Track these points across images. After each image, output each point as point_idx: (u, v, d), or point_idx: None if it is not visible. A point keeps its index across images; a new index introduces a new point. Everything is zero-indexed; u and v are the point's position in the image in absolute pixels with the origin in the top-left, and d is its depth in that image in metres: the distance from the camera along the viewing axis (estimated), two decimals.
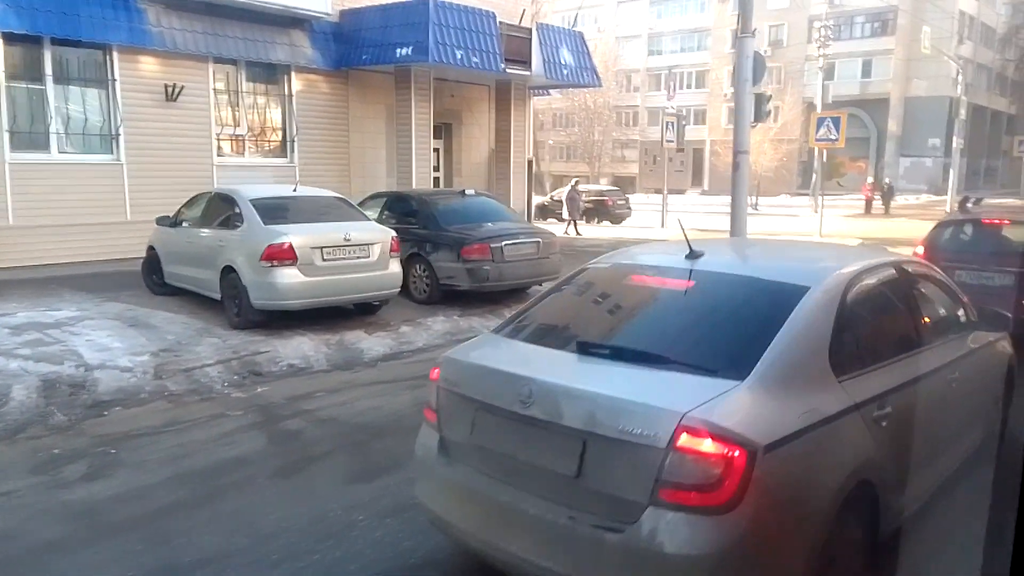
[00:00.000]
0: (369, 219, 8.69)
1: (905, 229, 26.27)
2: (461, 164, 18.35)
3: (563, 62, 16.48)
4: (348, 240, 7.87)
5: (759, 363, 2.76)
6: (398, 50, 14.13)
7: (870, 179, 36.08)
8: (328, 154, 15.42)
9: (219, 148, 13.87)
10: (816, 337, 3.00)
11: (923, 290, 4.03)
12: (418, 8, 13.95)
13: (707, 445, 2.48)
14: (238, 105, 14.15)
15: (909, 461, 3.38)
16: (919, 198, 45.34)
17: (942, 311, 4.21)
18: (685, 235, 3.56)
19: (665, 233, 23.19)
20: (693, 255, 3.47)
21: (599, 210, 28.28)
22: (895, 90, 51.15)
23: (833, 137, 20.10)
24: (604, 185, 32.79)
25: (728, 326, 3.13)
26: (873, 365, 3.21)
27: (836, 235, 21.40)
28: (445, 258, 9.30)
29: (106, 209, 12.35)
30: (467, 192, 10.73)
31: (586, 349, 3.04)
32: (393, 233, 8.39)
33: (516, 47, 15.61)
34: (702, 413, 2.52)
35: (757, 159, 39.73)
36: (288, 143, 14.88)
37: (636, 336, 3.22)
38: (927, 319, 3.86)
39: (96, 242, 12.17)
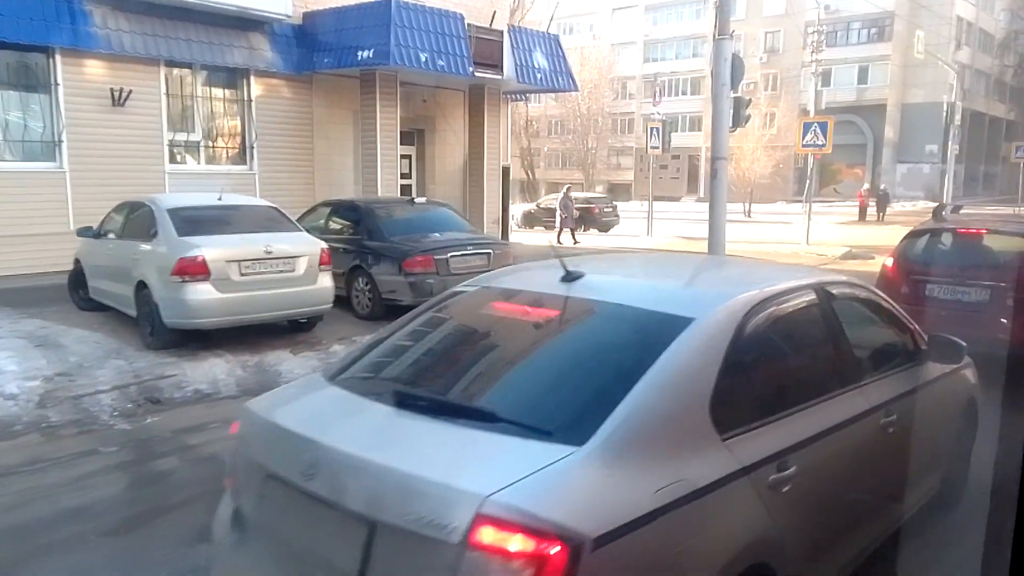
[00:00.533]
0: (301, 230, 8.08)
1: (897, 237, 25.50)
2: (435, 171, 17.77)
3: (537, 66, 15.90)
4: (269, 253, 7.26)
5: (607, 421, 2.13)
6: (359, 53, 13.56)
7: (865, 186, 35.44)
8: (291, 161, 14.83)
9: (172, 155, 13.29)
10: (694, 384, 2.37)
11: (853, 317, 3.39)
12: (380, 9, 13.38)
13: (514, 541, 1.85)
14: (193, 110, 13.57)
15: (823, 533, 2.76)
16: (916, 205, 44.70)
17: (879, 342, 3.59)
18: (561, 258, 2.94)
19: (651, 241, 22.60)
20: (570, 277, 2.85)
21: (586, 218, 27.62)
22: (892, 96, 50.62)
23: (820, 143, 19.49)
24: (592, 193, 32.11)
25: (581, 371, 2.50)
26: (773, 416, 2.58)
27: (824, 243, 20.78)
28: (386, 271, 8.69)
29: (48, 219, 11.74)
30: (416, 200, 10.13)
31: (403, 402, 2.41)
32: (323, 245, 7.79)
33: (487, 50, 15.04)
34: (510, 496, 1.89)
35: (751, 166, 39.13)
36: (247, 150, 14.30)
37: (469, 385, 2.59)
38: (855, 353, 3.22)
39: (37, 254, 11.56)
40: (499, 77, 15.31)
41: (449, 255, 8.69)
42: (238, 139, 14.29)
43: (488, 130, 16.83)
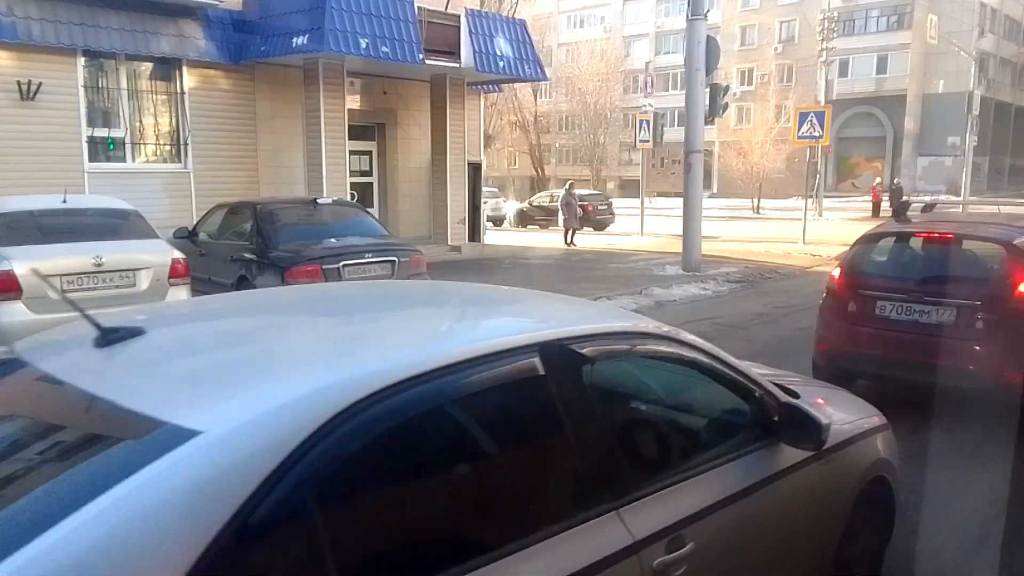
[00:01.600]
0: (157, 237, 6.98)
1: None
2: (398, 168, 16.65)
3: (499, 53, 14.70)
4: (100, 265, 6.17)
5: None
6: (294, 39, 12.48)
7: (878, 180, 33.77)
8: (231, 159, 13.78)
9: (92, 153, 12.30)
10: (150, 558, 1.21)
11: (646, 386, 2.17)
12: None
13: None
14: (117, 104, 12.57)
15: None
16: (938, 199, 42.81)
17: (676, 432, 2.37)
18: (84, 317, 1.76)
19: (641, 240, 21.34)
20: (107, 340, 1.70)
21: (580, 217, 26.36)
22: (912, 86, 48.58)
23: (817, 134, 18.10)
24: (587, 190, 30.77)
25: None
26: None
27: (824, 242, 19.33)
28: (270, 283, 7.58)
29: None
30: (320, 201, 8.99)
31: None
32: (176, 254, 6.69)
33: (441, 36, 13.88)
34: None
35: (760, 160, 37.51)
36: (181, 147, 13.27)
37: None
38: (610, 460, 1.93)
39: None
40: (455, 65, 14.15)
41: (342, 264, 7.55)
42: (171, 135, 13.26)
43: (452, 123, 15.67)
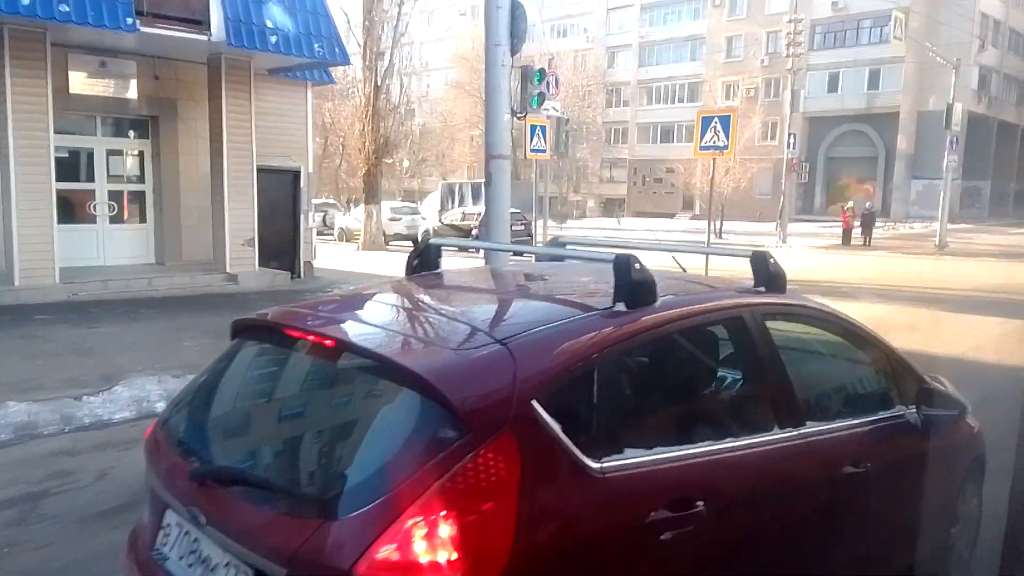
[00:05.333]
0: None
1: (877, 266, 20.48)
2: (178, 172, 13.24)
3: (273, 25, 11.32)
4: None
5: None
6: None
7: (850, 203, 30.05)
8: None
9: None
10: None
11: None
12: None
13: None
14: None
15: None
16: (928, 226, 38.82)
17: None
18: None
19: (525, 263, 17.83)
20: None
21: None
22: (906, 103, 44.77)
23: (721, 144, 14.53)
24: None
25: None
26: None
27: (729, 276, 15.70)
28: None
29: None
30: None
31: None
32: None
33: None
34: None
35: (722, 180, 33.86)
36: None
37: None
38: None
39: None
40: (199, 37, 10.77)
41: None
42: None
43: (230, 117, 12.26)
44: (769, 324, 2.56)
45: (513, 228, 23.13)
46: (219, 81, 12.11)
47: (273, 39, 11.27)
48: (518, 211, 27.11)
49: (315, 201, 37.18)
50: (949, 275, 17.74)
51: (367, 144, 22.36)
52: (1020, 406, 6.77)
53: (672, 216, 54.15)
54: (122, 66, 12.17)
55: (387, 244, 26.71)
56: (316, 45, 11.77)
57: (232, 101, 12.24)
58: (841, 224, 29.25)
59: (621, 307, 2.19)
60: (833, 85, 48.06)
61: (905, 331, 10.39)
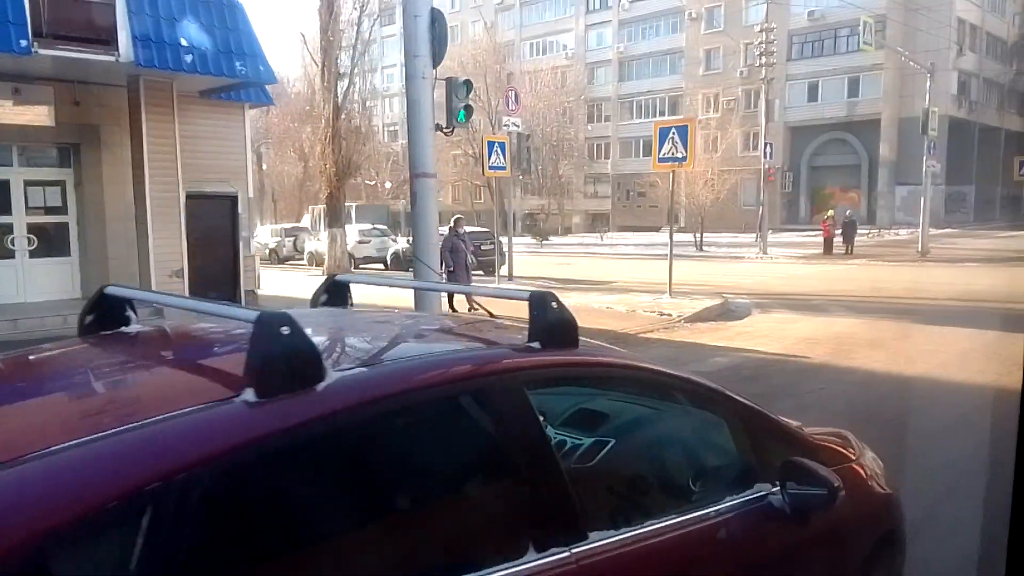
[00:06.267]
0: None
1: (859, 275, 19.81)
2: (103, 203, 12.51)
3: (188, 44, 10.66)
4: None
5: None
6: None
7: (830, 212, 29.43)
8: None
9: None
10: None
11: None
12: None
13: None
14: None
15: None
16: (913, 232, 38.25)
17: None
18: None
19: (509, 284, 17.15)
20: None
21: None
22: (887, 110, 44.37)
23: (680, 156, 13.89)
24: (470, 227, 26.47)
25: None
26: None
27: (699, 288, 15.00)
28: None
29: None
30: None
31: None
32: None
33: (82, 15, 9.90)
34: None
35: (699, 191, 33.28)
36: None
37: None
38: None
39: None
40: (106, 58, 10.10)
41: None
42: None
43: (151, 142, 11.56)
44: (546, 394, 1.81)
45: (482, 248, 22.64)
46: (139, 105, 11.43)
47: (188, 58, 10.59)
48: (487, 230, 26.47)
49: (285, 225, 36.85)
50: (927, 283, 17.09)
51: (327, 166, 21.67)
52: (986, 431, 5.94)
53: (658, 230, 53.42)
54: (38, 92, 11.46)
55: (356, 267, 26.02)
56: (238, 64, 11.10)
57: (154, 125, 11.54)
58: (822, 233, 28.60)
59: (251, 395, 1.41)
60: (813, 94, 47.71)
61: (868, 348, 9.68)
